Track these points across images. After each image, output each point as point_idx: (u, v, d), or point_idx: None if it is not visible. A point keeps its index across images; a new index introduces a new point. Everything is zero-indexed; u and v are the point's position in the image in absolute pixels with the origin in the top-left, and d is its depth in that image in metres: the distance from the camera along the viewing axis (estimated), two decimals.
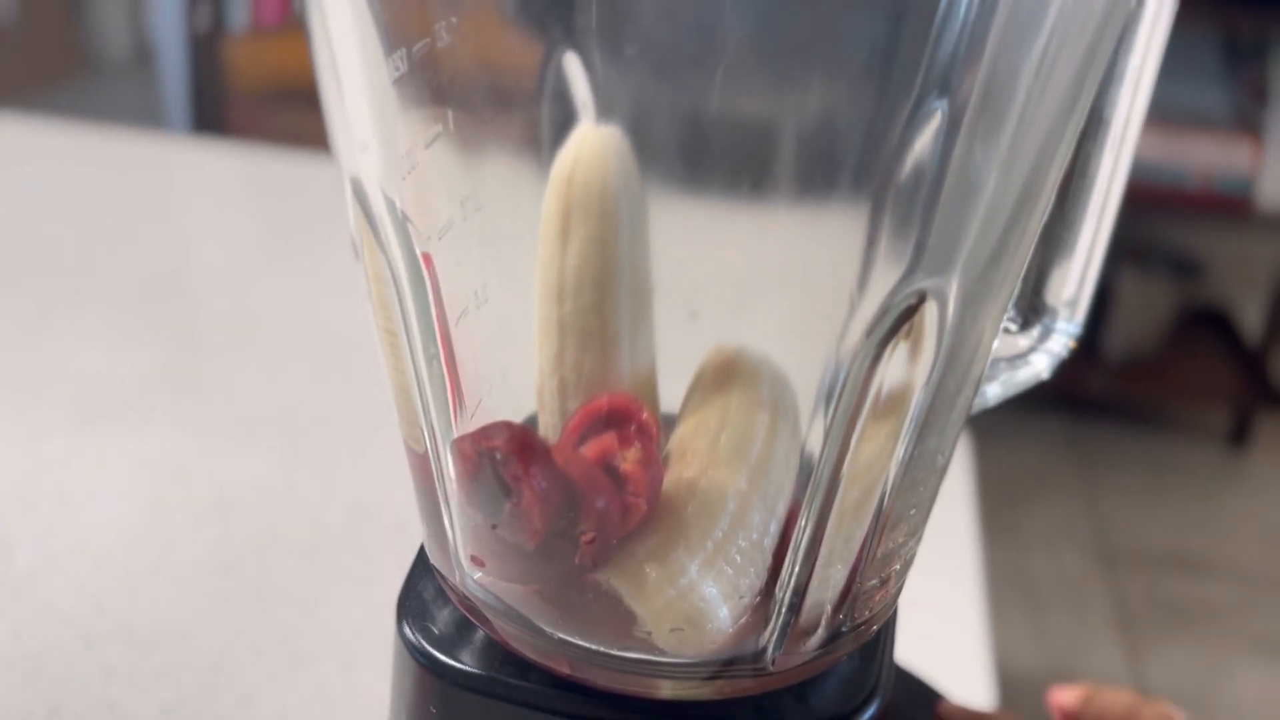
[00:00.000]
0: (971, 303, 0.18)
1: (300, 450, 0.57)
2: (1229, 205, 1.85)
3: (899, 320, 0.18)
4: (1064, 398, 1.96)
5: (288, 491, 0.53)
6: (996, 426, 0.92)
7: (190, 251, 0.81)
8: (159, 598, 0.47)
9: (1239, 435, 2.00)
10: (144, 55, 3.01)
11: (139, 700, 0.42)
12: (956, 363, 0.19)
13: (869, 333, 0.18)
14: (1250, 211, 1.86)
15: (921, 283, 0.17)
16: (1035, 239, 0.20)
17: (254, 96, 1.91)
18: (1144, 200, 1.74)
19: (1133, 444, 2.01)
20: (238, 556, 0.49)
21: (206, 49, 1.88)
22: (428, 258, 0.20)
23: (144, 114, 2.27)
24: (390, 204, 0.20)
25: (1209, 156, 1.82)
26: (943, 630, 0.49)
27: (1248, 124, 1.88)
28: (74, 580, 0.47)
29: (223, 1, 1.86)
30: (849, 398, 0.18)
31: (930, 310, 0.18)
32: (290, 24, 1.93)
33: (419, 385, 0.22)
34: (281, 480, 0.54)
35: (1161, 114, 1.76)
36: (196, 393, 0.61)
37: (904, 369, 0.18)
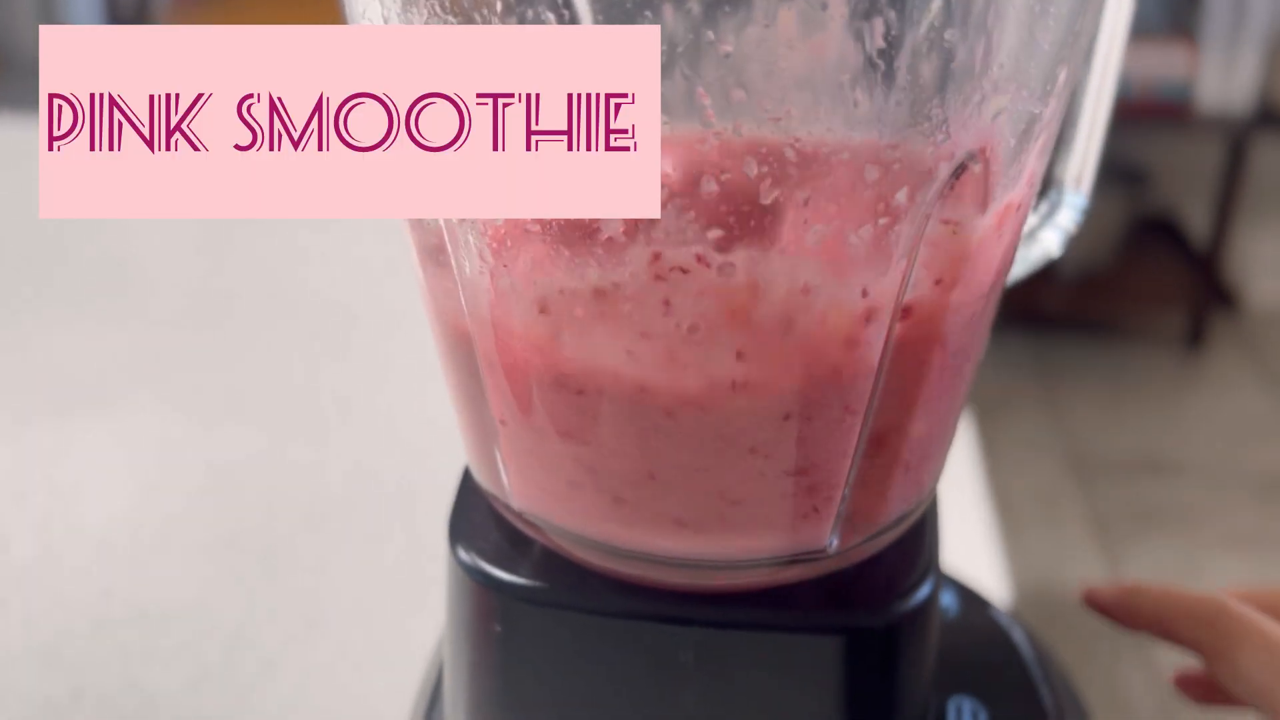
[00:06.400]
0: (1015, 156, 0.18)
1: (289, 419, 0.56)
2: (1170, 110, 1.87)
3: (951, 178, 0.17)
4: (1022, 315, 1.99)
5: (283, 462, 0.53)
6: None
7: (137, 234, 0.79)
8: (166, 576, 0.46)
9: (1195, 338, 2.05)
10: None
11: (162, 676, 0.41)
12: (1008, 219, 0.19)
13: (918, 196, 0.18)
14: (1190, 115, 1.89)
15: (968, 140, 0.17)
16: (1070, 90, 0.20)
17: None
18: None
19: (1093, 355, 2.04)
20: (240, 529, 0.48)
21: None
22: None
23: None
24: None
25: (1146, 63, 1.84)
26: (955, 548, 0.49)
27: (1182, 28, 1.90)
28: (77, 567, 0.46)
29: None
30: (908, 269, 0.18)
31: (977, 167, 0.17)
32: None
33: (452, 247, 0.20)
34: (275, 451, 0.53)
35: None
36: (175, 372, 0.60)
37: (942, 256, 0.18)
